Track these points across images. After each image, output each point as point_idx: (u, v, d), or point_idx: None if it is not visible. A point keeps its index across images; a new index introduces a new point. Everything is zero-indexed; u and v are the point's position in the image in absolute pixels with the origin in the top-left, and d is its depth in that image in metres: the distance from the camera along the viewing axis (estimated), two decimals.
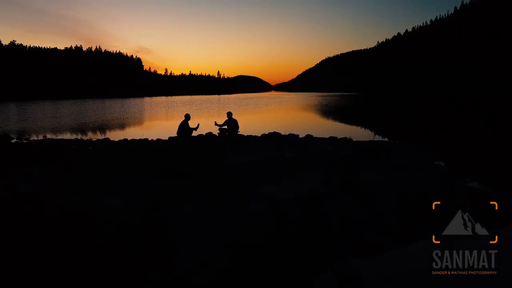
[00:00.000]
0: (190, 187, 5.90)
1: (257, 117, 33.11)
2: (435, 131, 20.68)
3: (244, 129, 21.21)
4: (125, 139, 15.79)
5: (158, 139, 15.76)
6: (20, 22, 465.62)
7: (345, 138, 16.41)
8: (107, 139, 15.74)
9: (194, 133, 13.17)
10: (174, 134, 12.89)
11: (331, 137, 15.65)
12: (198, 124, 12.67)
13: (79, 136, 17.84)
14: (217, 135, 13.83)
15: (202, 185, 6.03)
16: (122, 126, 24.44)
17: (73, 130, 21.59)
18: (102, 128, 23.13)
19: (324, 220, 4.57)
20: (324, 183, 6.36)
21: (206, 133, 15.96)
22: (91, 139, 16.70)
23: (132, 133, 20.56)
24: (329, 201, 5.37)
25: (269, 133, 17.76)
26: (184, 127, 12.24)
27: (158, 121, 29.65)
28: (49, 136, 17.91)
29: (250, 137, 15.07)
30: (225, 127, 12.84)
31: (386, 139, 17.39)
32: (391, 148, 11.41)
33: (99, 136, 18.34)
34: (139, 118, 32.37)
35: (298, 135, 17.75)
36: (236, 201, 5.34)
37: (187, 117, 12.59)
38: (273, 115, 34.57)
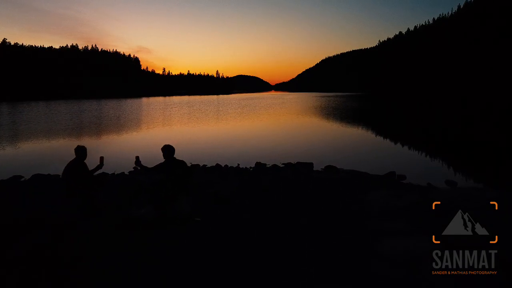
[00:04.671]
0: None
1: (253, 125, 26.12)
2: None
3: (232, 148, 14.28)
4: (16, 178, 8.95)
5: None
6: (19, 22, 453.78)
7: (403, 178, 9.54)
8: None
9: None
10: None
11: (383, 178, 8.56)
12: (101, 160, 5.63)
13: None
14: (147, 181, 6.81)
15: None
16: (62, 143, 17.44)
17: None
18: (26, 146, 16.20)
19: None
20: None
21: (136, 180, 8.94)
22: None
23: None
24: None
25: (258, 167, 10.84)
26: (75, 173, 5.30)
27: (128, 131, 22.75)
28: None
29: (220, 187, 8.10)
30: (158, 172, 5.58)
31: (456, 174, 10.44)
32: None
33: None
34: (108, 125, 25.48)
35: (311, 165, 10.90)
36: None
37: (80, 153, 5.55)
38: (273, 123, 27.11)
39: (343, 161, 11.61)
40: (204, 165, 11.10)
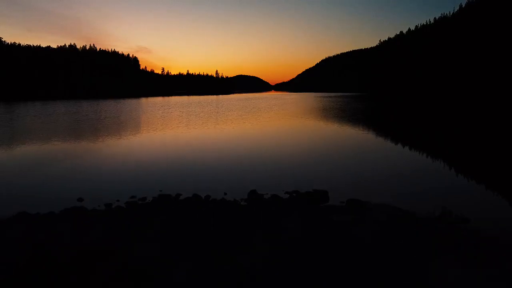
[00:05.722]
0: None
1: (251, 133, 22.79)
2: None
3: (222, 167, 10.31)
4: None
5: None
6: (19, 22, 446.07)
7: (466, 221, 6.44)
8: None
9: None
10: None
11: (438, 225, 5.48)
12: None
13: None
14: None
15: None
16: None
17: None
18: None
19: None
20: None
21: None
22: None
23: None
24: None
25: (253, 201, 7.63)
26: None
27: (102, 141, 19.58)
28: None
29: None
30: None
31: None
32: None
33: None
34: (82, 132, 22.33)
35: (326, 195, 7.78)
36: None
37: None
38: (275, 129, 22.77)
39: (368, 187, 8.45)
40: (178, 195, 7.94)
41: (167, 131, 21.64)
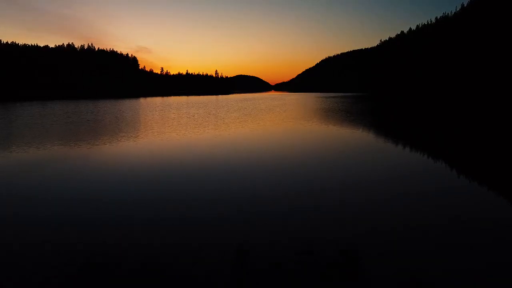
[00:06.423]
0: None
1: (247, 142, 19.43)
2: None
3: (201, 204, 5.99)
4: None
5: None
6: (20, 22, 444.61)
7: None
8: None
9: None
10: None
11: None
12: None
13: None
14: None
15: None
16: None
17: None
18: None
19: None
20: None
21: None
22: None
23: None
24: None
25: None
26: None
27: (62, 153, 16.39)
28: None
29: None
30: None
31: None
32: None
33: None
34: (51, 137, 19.12)
35: (355, 260, 4.62)
36: None
37: None
38: (276, 138, 18.32)
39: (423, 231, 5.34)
40: (117, 266, 4.84)
41: (143, 140, 17.23)
